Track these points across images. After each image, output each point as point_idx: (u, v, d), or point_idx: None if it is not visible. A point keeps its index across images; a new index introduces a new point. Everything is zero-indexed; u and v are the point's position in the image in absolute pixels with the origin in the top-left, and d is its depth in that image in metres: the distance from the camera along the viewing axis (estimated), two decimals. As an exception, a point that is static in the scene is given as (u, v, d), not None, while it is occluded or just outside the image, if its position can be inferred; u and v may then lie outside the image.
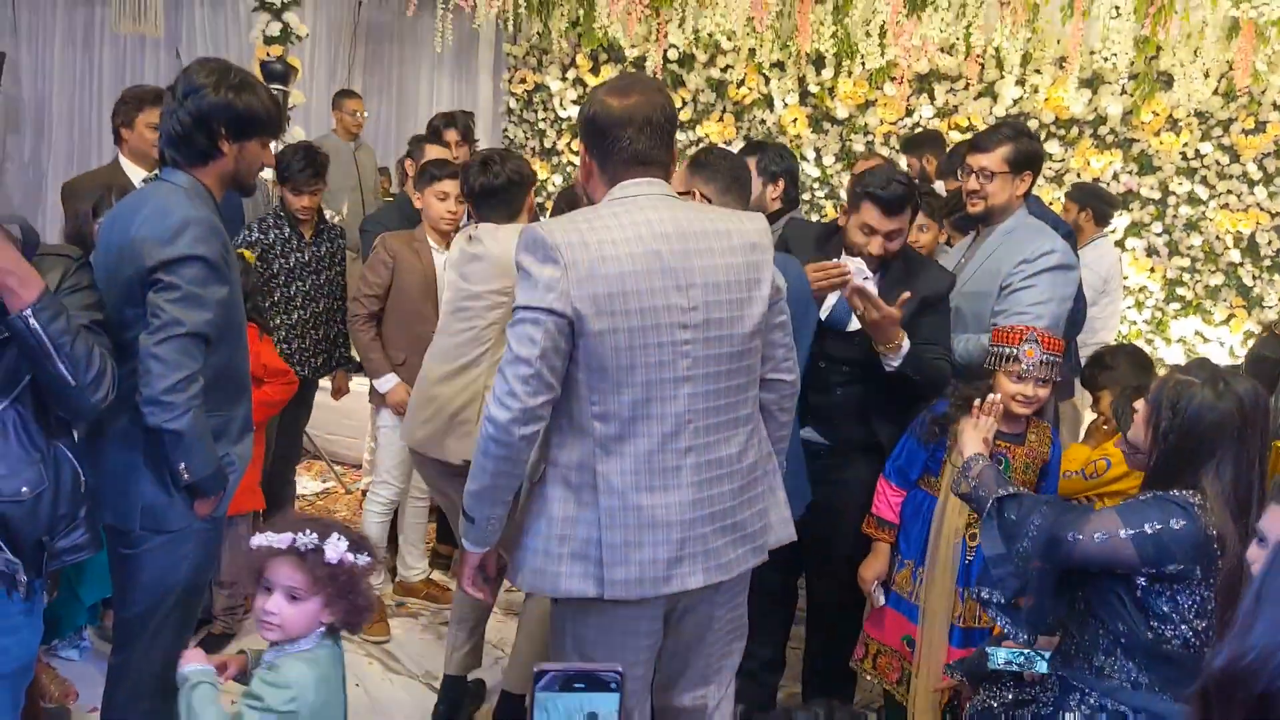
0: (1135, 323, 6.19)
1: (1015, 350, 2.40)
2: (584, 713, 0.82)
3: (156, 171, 3.41)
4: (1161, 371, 3.37)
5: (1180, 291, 6.18)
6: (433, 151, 3.78)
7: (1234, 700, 0.78)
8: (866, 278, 2.45)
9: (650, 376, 1.82)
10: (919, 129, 6.44)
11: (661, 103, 1.87)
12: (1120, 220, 6.00)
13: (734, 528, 1.95)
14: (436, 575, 3.81)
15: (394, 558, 3.72)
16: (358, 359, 3.63)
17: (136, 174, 3.46)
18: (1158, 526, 1.85)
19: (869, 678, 2.72)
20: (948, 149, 4.51)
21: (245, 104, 2.06)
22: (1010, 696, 2.15)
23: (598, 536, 1.84)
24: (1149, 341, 6.23)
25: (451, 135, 4.29)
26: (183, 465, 2.00)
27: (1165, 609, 1.88)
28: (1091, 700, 1.97)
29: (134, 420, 2.00)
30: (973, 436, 2.24)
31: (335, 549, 1.74)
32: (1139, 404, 2.03)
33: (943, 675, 2.44)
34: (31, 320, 1.73)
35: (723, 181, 2.37)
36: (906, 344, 2.48)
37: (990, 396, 2.31)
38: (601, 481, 1.83)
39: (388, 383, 3.39)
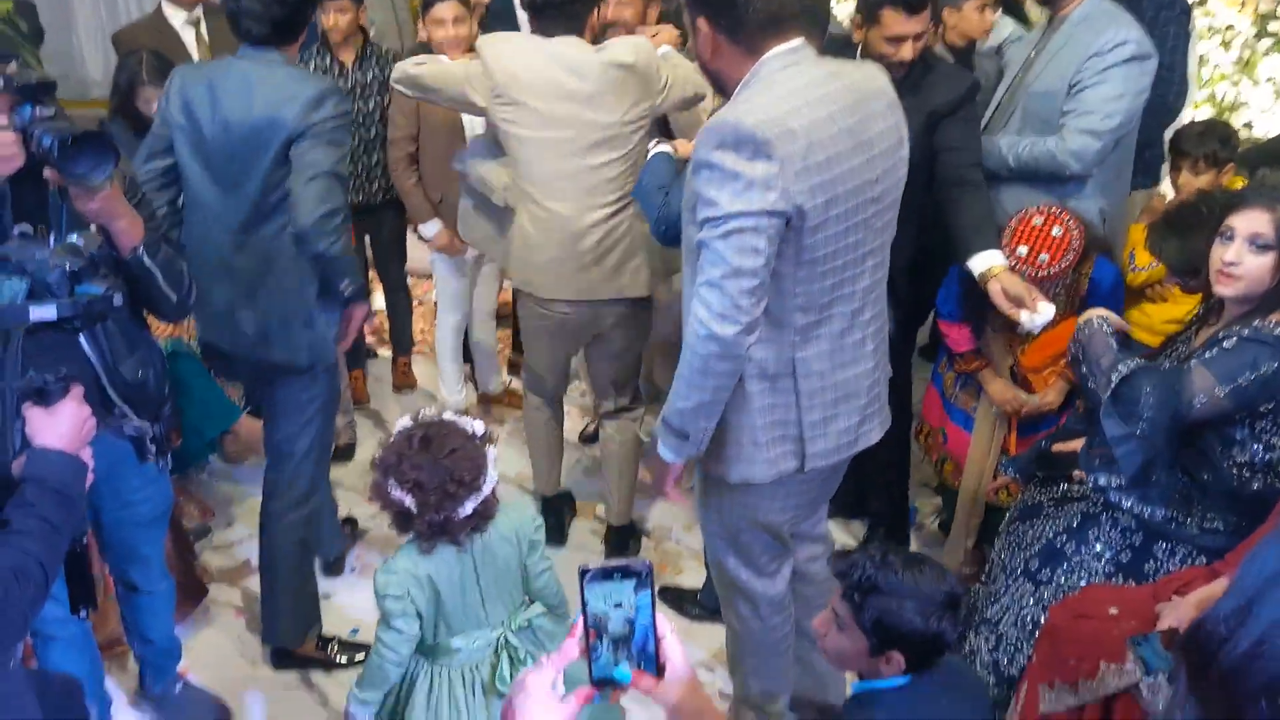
0: (1219, 65, 5.82)
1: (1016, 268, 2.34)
2: (623, 597, 0.95)
3: (198, 14, 3.39)
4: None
5: (1272, 27, 5.74)
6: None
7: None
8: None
9: (848, 257, 1.77)
10: None
11: None
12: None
13: (886, 380, 2.05)
14: (516, 384, 4.04)
15: (473, 371, 3.96)
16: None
17: (178, 17, 3.43)
18: (1250, 376, 1.87)
19: (917, 451, 2.95)
20: None
21: None
22: (1059, 492, 2.30)
23: (796, 417, 1.86)
24: (1235, 84, 5.88)
25: None
26: (345, 282, 2.31)
27: (1255, 447, 1.93)
28: (1134, 513, 2.08)
29: (287, 272, 2.30)
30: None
31: None
32: (1232, 254, 1.91)
33: (998, 472, 2.60)
34: (145, 260, 1.89)
35: None
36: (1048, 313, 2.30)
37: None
38: (800, 367, 1.83)
39: (432, 228, 3.41)
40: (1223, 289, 1.95)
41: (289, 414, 2.48)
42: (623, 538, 3.13)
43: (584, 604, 0.95)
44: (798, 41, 1.71)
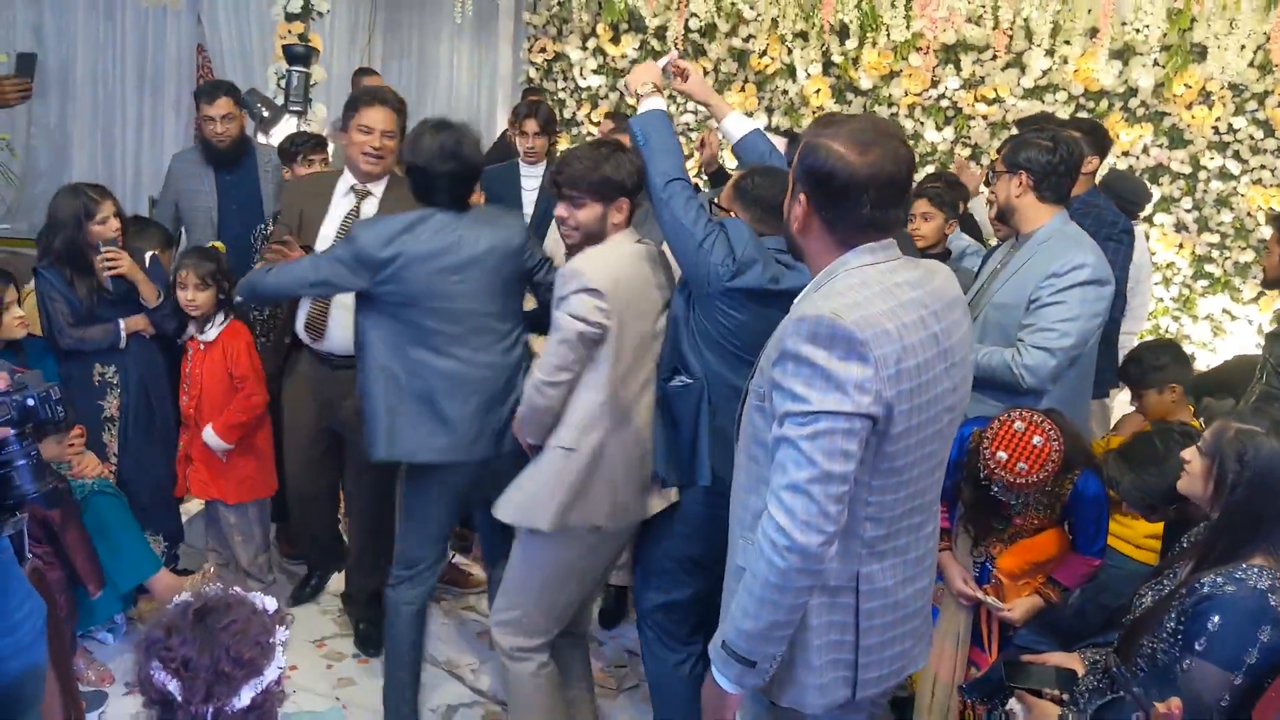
0: (1162, 300, 6.12)
1: (985, 468, 2.32)
2: None
3: (368, 187, 3.08)
4: (1198, 363, 3.39)
5: (1209, 269, 6.08)
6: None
7: None
8: None
9: (923, 468, 1.66)
10: (944, 100, 6.35)
11: (905, 156, 1.61)
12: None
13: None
14: (458, 559, 3.87)
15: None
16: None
17: (345, 184, 3.15)
18: (1255, 654, 1.78)
19: None
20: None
21: None
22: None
23: (853, 640, 1.69)
24: (1175, 319, 6.16)
25: (531, 125, 4.17)
26: None
27: None
28: None
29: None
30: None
31: None
32: (1189, 454, 1.99)
33: (959, 697, 2.46)
34: None
35: (761, 211, 2.37)
36: None
37: None
38: (864, 584, 1.67)
39: None
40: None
41: None
42: None
43: None
44: (889, 240, 1.67)
